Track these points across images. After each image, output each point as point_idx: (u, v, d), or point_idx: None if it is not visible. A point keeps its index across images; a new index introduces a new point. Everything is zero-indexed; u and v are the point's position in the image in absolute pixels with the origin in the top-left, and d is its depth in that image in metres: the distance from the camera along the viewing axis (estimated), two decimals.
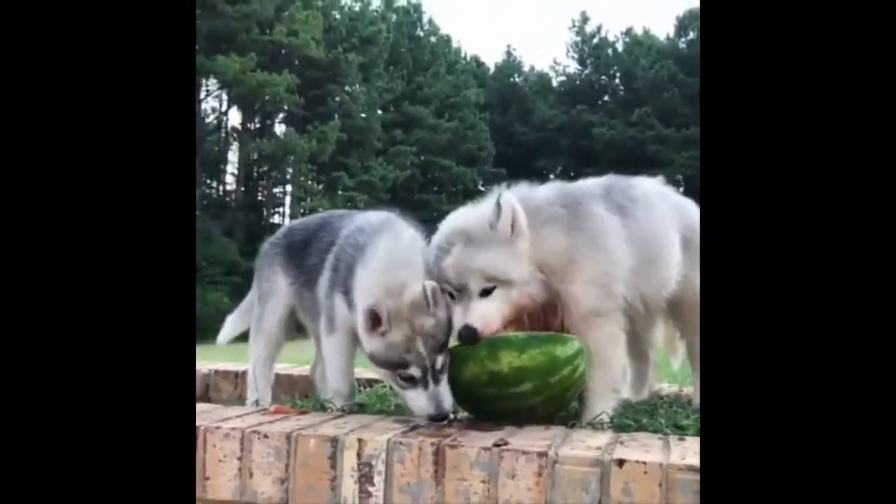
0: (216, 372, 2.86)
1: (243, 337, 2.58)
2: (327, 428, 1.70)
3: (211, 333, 2.84)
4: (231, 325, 2.65)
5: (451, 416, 1.87)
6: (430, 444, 1.56)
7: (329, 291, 2.12)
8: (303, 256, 2.32)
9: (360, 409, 2.06)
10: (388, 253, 1.95)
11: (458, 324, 1.83)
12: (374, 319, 1.80)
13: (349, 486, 1.58)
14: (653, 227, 2.11)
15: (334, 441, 1.61)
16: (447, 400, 1.80)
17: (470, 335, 1.82)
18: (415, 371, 1.79)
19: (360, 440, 1.59)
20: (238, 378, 2.79)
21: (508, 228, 1.85)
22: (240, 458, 1.65)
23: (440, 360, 1.82)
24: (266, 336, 2.40)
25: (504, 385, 1.78)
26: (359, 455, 1.59)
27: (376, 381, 2.61)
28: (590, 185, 2.16)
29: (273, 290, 2.39)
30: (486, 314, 1.84)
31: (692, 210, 2.31)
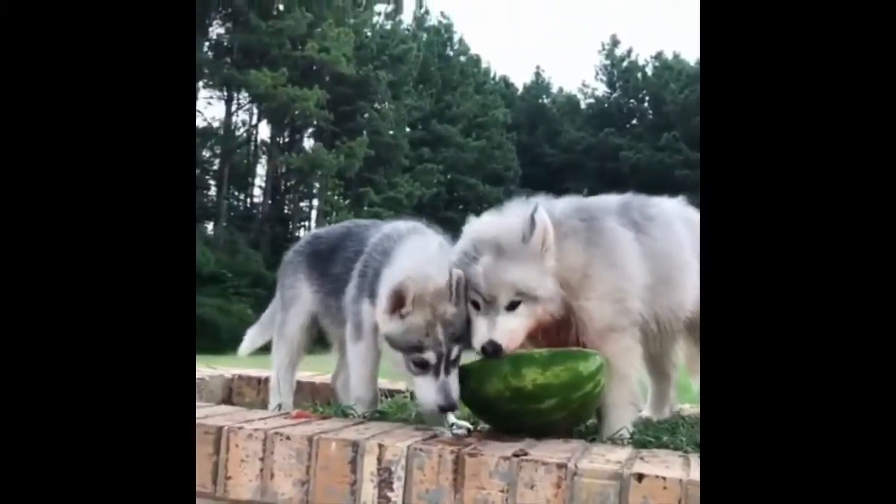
0: (240, 377, 2.89)
1: (266, 348, 2.61)
2: (348, 432, 1.71)
3: (235, 345, 2.88)
4: (251, 338, 2.68)
5: (471, 427, 1.88)
6: (449, 451, 1.57)
7: (356, 298, 2.14)
8: (327, 265, 2.35)
9: (381, 416, 2.08)
10: (414, 252, 2.00)
11: (481, 337, 1.84)
12: (398, 299, 1.84)
13: (369, 491, 1.60)
14: (668, 246, 2.11)
15: (355, 445, 1.62)
16: (455, 391, 1.83)
17: (495, 351, 1.83)
18: (430, 356, 1.83)
19: (380, 445, 1.61)
20: (261, 384, 2.82)
21: (540, 244, 1.86)
22: (262, 459, 1.67)
23: (455, 350, 1.85)
24: (288, 343, 2.43)
25: (527, 401, 1.79)
26: (379, 460, 1.60)
27: (398, 391, 2.63)
28: (607, 200, 2.17)
29: (296, 297, 2.42)
30: (511, 330, 1.85)
31: None
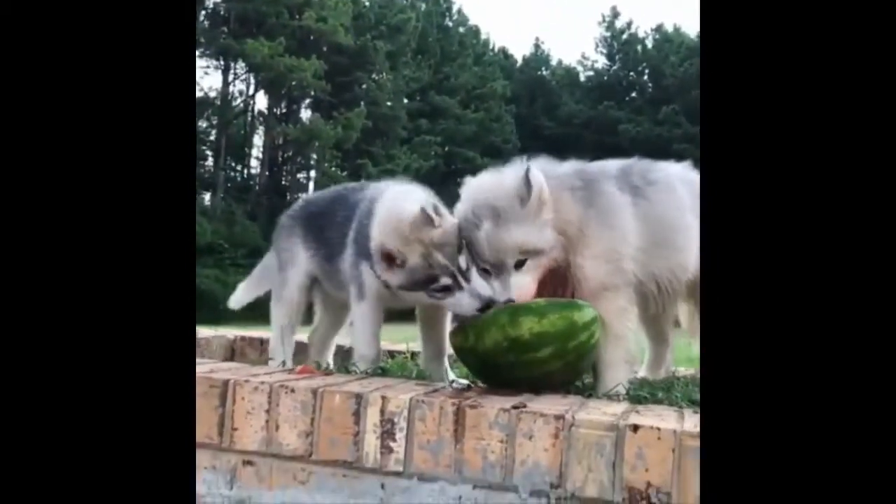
0: (242, 338, 2.93)
1: (263, 313, 2.64)
2: (352, 386, 1.76)
3: (233, 315, 2.92)
4: (242, 292, 2.72)
5: (471, 385, 1.93)
6: (451, 403, 1.61)
7: (355, 262, 2.18)
8: (321, 229, 2.40)
9: (383, 373, 2.12)
10: (388, 203, 2.08)
11: (499, 298, 1.92)
12: (387, 257, 1.95)
13: (371, 442, 1.64)
14: (666, 209, 2.14)
15: (359, 398, 1.66)
16: (485, 289, 1.94)
17: (492, 305, 1.91)
18: (445, 280, 1.95)
19: (383, 398, 1.65)
20: (262, 345, 2.86)
21: (537, 202, 1.91)
22: (267, 411, 1.71)
23: (462, 260, 1.96)
24: (287, 303, 2.47)
25: (524, 351, 1.83)
26: (382, 412, 1.64)
27: (399, 351, 2.68)
28: (608, 165, 2.20)
29: (292, 259, 2.46)
30: (523, 286, 1.94)
31: None
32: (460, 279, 1.95)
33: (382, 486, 1.63)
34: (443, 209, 1.99)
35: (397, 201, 2.07)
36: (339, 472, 1.66)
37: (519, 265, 1.94)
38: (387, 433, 1.64)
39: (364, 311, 2.19)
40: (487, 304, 1.91)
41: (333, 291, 2.43)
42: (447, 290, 1.95)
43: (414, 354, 2.62)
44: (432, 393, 1.71)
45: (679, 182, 2.25)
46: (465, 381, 2.02)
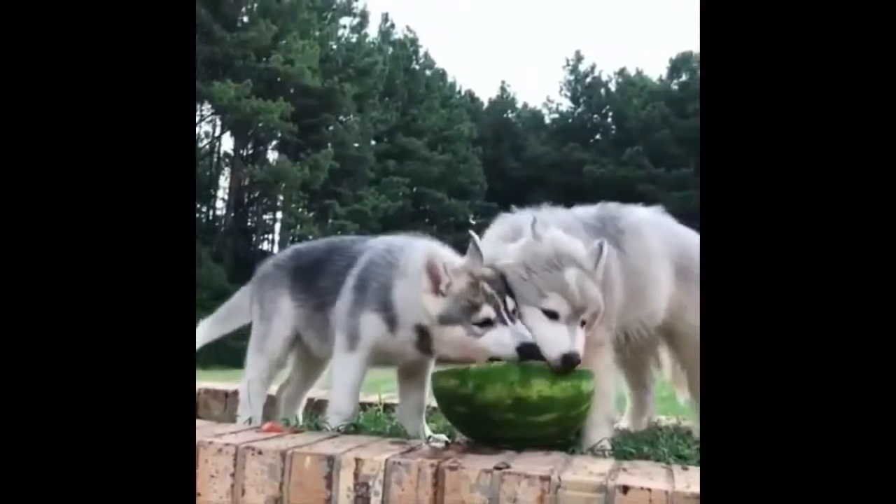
0: (206, 391, 2.80)
1: (233, 362, 2.53)
2: (323, 446, 1.66)
3: (213, 363, 2.80)
4: (206, 329, 2.57)
5: (449, 441, 1.84)
6: (429, 465, 1.52)
7: (352, 311, 2.09)
8: (313, 279, 2.30)
9: (356, 430, 2.02)
10: (428, 249, 1.99)
11: (565, 346, 1.78)
12: (433, 272, 1.86)
13: None
14: (638, 259, 2.09)
15: (331, 460, 1.57)
16: (529, 335, 1.80)
17: (575, 362, 1.78)
18: (488, 311, 1.83)
19: (357, 459, 1.55)
20: (228, 398, 2.74)
21: (602, 273, 1.88)
22: (233, 475, 1.61)
23: (510, 301, 1.84)
24: (268, 356, 2.36)
25: (528, 413, 1.75)
26: (356, 475, 1.55)
27: (371, 403, 2.57)
28: (587, 216, 2.14)
29: (277, 310, 2.35)
30: (583, 345, 1.82)
31: (690, 239, 2.29)
32: (504, 314, 1.83)
33: None
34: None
35: (437, 246, 2.05)
36: None
37: (582, 323, 1.85)
38: (361, 498, 1.54)
39: (350, 364, 2.09)
40: (529, 350, 1.78)
41: (316, 344, 2.32)
42: (489, 323, 1.82)
43: (387, 406, 2.52)
44: (408, 453, 1.62)
45: (648, 227, 2.20)
46: (443, 437, 1.93)
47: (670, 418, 2.61)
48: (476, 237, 1.95)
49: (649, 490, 1.40)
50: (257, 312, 2.42)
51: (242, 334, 2.48)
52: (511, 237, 1.96)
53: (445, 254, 1.99)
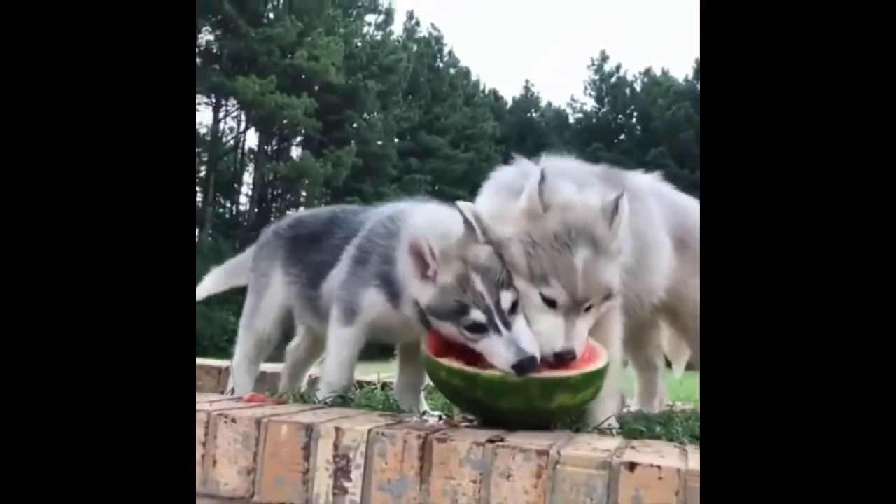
0: (199, 367, 2.68)
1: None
2: (303, 416, 1.52)
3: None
4: (210, 281, 2.48)
5: (443, 417, 1.69)
6: (416, 436, 1.38)
7: (350, 283, 1.94)
8: (308, 252, 2.15)
9: (344, 402, 1.86)
10: (422, 216, 1.82)
11: (558, 342, 1.57)
12: (417, 256, 1.63)
13: (323, 481, 1.40)
14: (641, 222, 1.88)
15: (309, 429, 1.43)
16: (528, 341, 1.54)
17: (570, 359, 1.57)
18: (477, 315, 1.57)
19: (337, 429, 1.41)
20: (221, 374, 2.62)
21: (617, 233, 1.63)
22: (203, 444, 1.48)
23: (507, 297, 1.58)
24: (257, 334, 2.24)
25: (543, 414, 1.60)
26: (336, 446, 1.41)
27: (368, 382, 2.44)
28: (597, 171, 1.97)
29: (269, 285, 2.22)
30: (584, 336, 1.61)
31: (690, 209, 2.13)
32: (497, 320, 1.57)
33: None
34: (488, 224, 1.65)
35: (444, 212, 1.81)
36: None
37: (588, 308, 1.61)
38: (341, 471, 1.40)
39: (345, 336, 1.93)
40: (529, 365, 1.52)
41: (310, 321, 2.19)
42: (479, 329, 1.57)
43: (385, 385, 2.37)
44: (395, 424, 1.48)
45: (650, 194, 2.02)
46: (437, 414, 1.78)
47: (687, 403, 2.44)
48: (467, 210, 1.64)
49: (659, 468, 1.25)
50: (251, 284, 2.30)
51: None
52: (517, 190, 1.68)
53: (445, 225, 1.73)
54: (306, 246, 2.18)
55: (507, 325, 1.56)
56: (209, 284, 2.48)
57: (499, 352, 1.55)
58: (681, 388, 2.56)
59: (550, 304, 1.58)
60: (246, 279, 2.38)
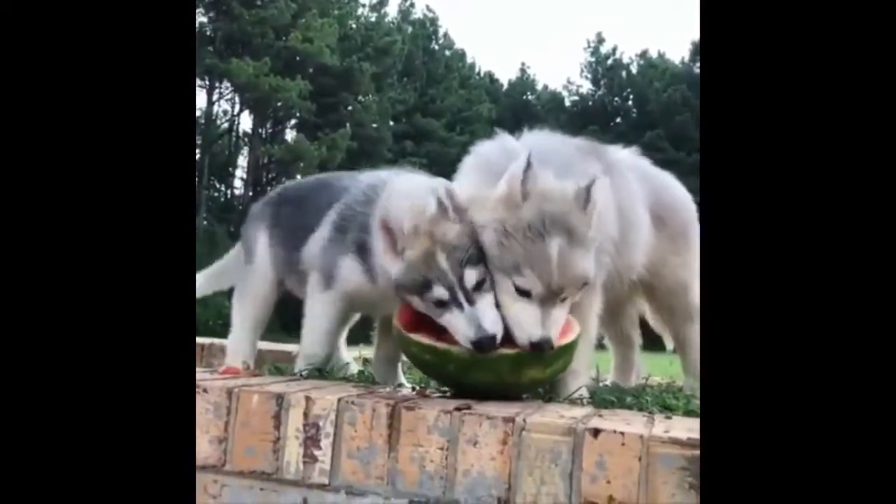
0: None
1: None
2: (275, 386, 1.53)
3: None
4: (203, 280, 2.46)
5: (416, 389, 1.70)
6: (384, 405, 1.39)
7: (328, 249, 1.93)
8: (294, 216, 2.14)
9: (320, 375, 1.87)
10: (397, 187, 1.80)
11: (535, 333, 1.54)
12: (386, 232, 1.64)
13: (293, 450, 1.42)
14: (623, 198, 1.86)
15: (280, 398, 1.44)
16: (490, 320, 1.54)
17: (547, 349, 1.55)
18: (439, 291, 1.57)
19: (307, 398, 1.43)
20: (204, 350, 2.63)
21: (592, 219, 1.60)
22: None
23: (471, 275, 1.57)
24: (251, 297, 2.20)
25: (512, 388, 1.62)
26: (305, 415, 1.42)
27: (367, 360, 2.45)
28: (580, 143, 1.97)
29: (257, 253, 2.20)
30: (560, 324, 1.59)
31: (670, 186, 2.12)
32: (460, 296, 1.56)
33: (305, 501, 1.40)
34: (461, 202, 1.63)
35: (420, 185, 1.77)
36: (257, 485, 1.43)
37: (563, 298, 1.59)
38: (311, 440, 1.42)
39: (323, 303, 1.91)
40: (488, 343, 1.53)
41: (293, 286, 2.17)
42: (442, 304, 1.57)
43: (367, 361, 2.38)
44: (365, 394, 1.49)
45: (627, 169, 2.00)
46: (409, 386, 1.79)
47: (664, 378, 2.46)
48: (441, 188, 1.62)
49: (622, 434, 1.27)
50: (244, 255, 2.28)
51: None
52: (498, 169, 1.65)
53: (421, 198, 1.66)
54: (290, 209, 2.17)
55: (471, 302, 1.56)
56: (201, 284, 2.42)
57: (460, 328, 1.55)
58: (671, 367, 2.56)
59: (524, 294, 1.56)
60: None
